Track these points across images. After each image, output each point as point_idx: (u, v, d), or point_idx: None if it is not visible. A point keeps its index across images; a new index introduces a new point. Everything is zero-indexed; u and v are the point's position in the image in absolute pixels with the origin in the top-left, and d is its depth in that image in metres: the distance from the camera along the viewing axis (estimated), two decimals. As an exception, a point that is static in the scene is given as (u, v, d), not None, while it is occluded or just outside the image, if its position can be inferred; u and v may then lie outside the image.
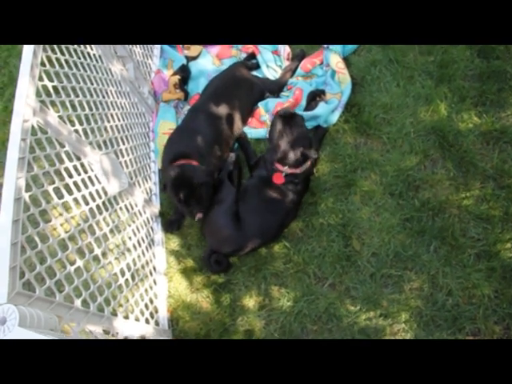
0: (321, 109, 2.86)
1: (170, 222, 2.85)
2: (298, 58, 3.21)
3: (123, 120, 2.72)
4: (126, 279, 2.29)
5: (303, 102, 3.02)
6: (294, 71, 3.19)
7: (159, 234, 2.83)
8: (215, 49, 3.42)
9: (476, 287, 2.34)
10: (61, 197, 1.91)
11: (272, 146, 2.59)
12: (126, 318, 2.15)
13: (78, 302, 1.74)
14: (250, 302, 2.55)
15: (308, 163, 2.59)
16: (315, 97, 2.99)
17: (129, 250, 2.42)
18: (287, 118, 2.55)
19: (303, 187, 2.63)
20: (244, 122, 3.03)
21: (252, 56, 3.32)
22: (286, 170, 2.55)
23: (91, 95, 2.40)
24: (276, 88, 3.14)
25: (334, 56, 3.00)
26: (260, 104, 3.07)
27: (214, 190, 2.66)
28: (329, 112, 2.86)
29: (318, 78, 3.14)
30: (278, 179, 2.57)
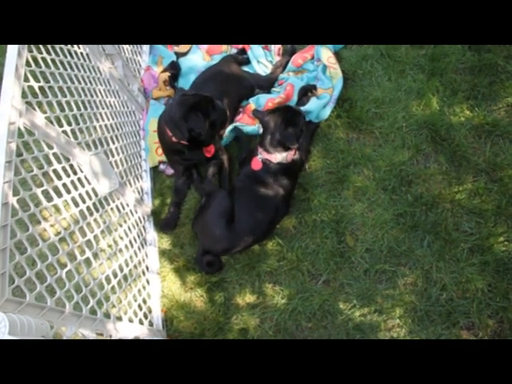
0: (312, 104, 2.84)
1: (166, 222, 2.81)
2: (288, 53, 3.18)
3: (113, 119, 2.68)
4: (119, 280, 2.27)
5: (295, 98, 2.99)
6: (284, 66, 3.16)
7: (151, 234, 2.80)
8: (205, 44, 3.38)
9: (469, 281, 2.34)
10: (50, 199, 1.88)
11: (262, 125, 2.61)
12: (120, 319, 2.14)
13: (69, 306, 1.72)
14: (244, 300, 2.54)
15: (288, 157, 2.56)
16: (307, 92, 2.96)
17: (121, 250, 2.40)
18: (290, 112, 2.52)
19: (290, 182, 2.59)
20: (231, 117, 2.98)
21: (243, 51, 3.28)
22: (261, 152, 2.55)
23: (79, 95, 2.36)
24: (267, 84, 3.10)
25: (325, 51, 2.98)
26: (251, 100, 3.03)
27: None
28: (320, 107, 2.84)
29: (310, 73, 3.10)
30: (256, 165, 2.56)
